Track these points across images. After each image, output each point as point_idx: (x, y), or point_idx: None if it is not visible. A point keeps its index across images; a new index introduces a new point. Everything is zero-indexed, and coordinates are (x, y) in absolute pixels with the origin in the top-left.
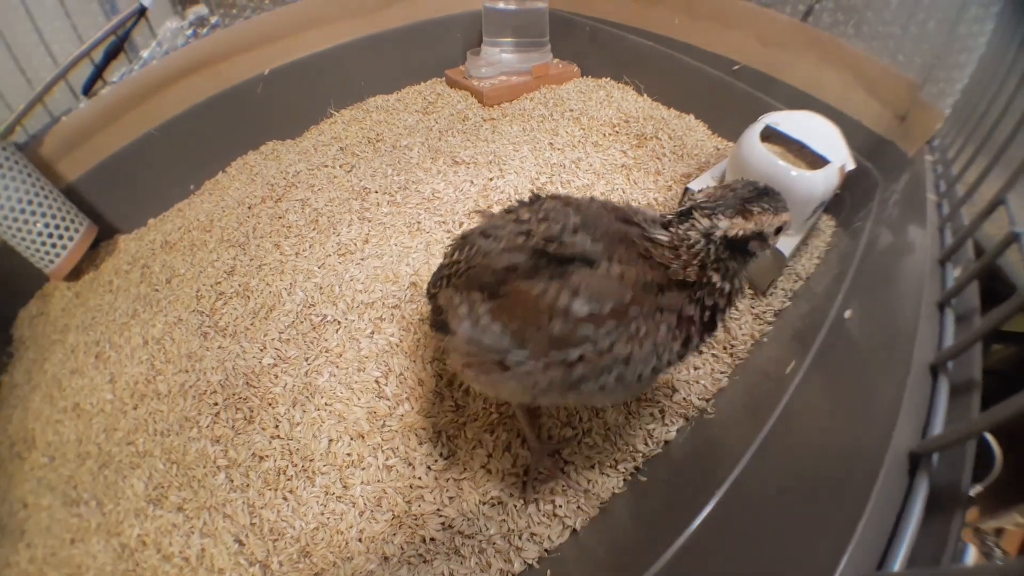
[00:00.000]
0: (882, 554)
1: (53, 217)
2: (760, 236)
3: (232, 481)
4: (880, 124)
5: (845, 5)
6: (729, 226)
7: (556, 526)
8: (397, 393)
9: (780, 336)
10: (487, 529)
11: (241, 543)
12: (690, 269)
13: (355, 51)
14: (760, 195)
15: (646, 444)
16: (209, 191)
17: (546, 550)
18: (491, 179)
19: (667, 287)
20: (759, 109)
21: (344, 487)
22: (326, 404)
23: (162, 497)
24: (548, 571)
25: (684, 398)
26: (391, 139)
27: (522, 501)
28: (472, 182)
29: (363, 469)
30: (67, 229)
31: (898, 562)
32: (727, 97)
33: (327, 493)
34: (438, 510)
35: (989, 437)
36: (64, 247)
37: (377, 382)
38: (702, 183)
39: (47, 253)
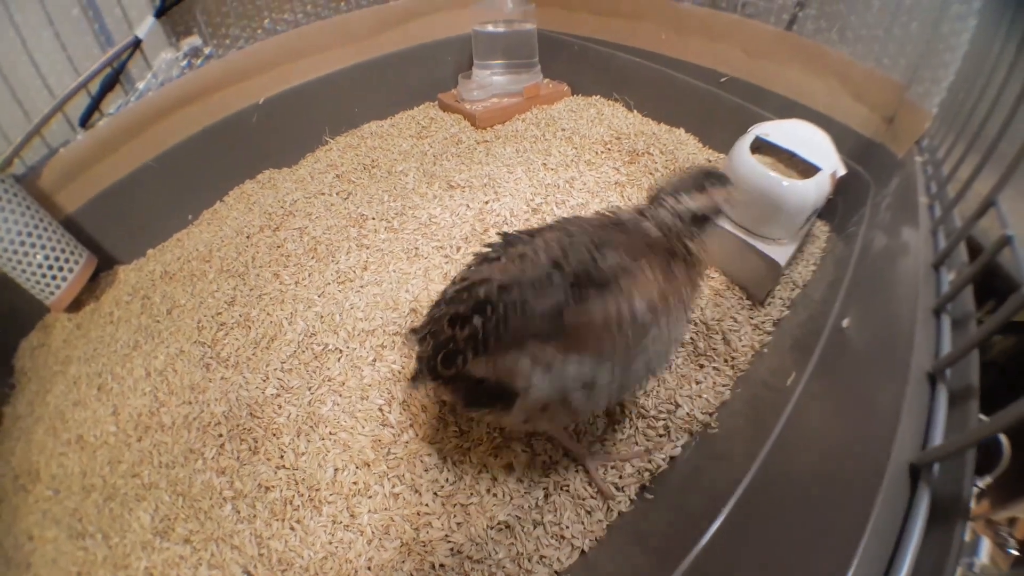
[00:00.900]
0: (886, 567)
1: (53, 249)
2: (716, 209)
3: (239, 512)
4: (869, 127)
5: (828, 12)
6: (693, 202)
7: (565, 548)
8: (401, 420)
9: (780, 346)
10: (496, 553)
11: (249, 574)
12: (677, 244)
13: (348, 78)
14: (707, 175)
15: (652, 462)
16: (207, 221)
17: (556, 572)
18: (487, 202)
19: (669, 266)
20: (748, 120)
21: (351, 516)
22: (330, 433)
23: (169, 529)
24: None
25: (688, 413)
26: (386, 165)
27: (606, 505)
28: (468, 206)
29: (370, 497)
30: (67, 261)
31: (902, 575)
32: (716, 109)
33: (334, 522)
34: (446, 536)
35: None
36: (64, 279)
37: (380, 410)
38: None
39: (47, 285)
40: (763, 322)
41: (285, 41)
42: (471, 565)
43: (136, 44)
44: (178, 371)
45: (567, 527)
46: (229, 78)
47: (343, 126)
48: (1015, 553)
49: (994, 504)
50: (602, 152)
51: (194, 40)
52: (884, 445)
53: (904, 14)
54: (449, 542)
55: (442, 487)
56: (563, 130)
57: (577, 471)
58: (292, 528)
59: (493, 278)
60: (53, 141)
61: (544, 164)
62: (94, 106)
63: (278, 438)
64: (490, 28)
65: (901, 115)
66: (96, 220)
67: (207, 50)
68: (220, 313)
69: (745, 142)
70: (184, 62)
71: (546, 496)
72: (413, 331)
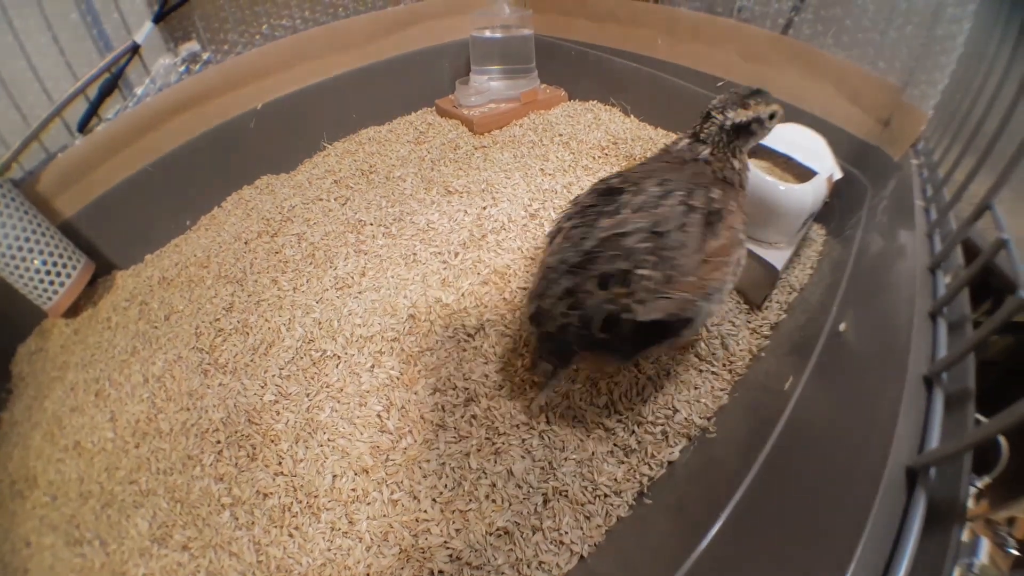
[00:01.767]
0: (883, 570)
1: (51, 254)
2: (758, 120)
3: (237, 519)
4: (864, 130)
5: (824, 16)
6: (735, 115)
7: (564, 553)
8: (399, 426)
9: (777, 350)
10: (495, 559)
11: None
12: (727, 167)
13: (346, 84)
14: (754, 93)
15: (650, 467)
16: (205, 226)
17: None
18: (484, 208)
19: (736, 195)
20: None
21: (350, 522)
22: (329, 440)
23: (167, 536)
24: None
25: (686, 418)
26: (384, 170)
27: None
28: (466, 211)
29: (368, 504)
30: (64, 266)
31: None
32: None
33: (333, 529)
34: (445, 542)
35: None
36: (62, 284)
37: (379, 416)
38: None
39: (45, 290)
40: (760, 326)
41: (283, 47)
42: (470, 571)
43: (134, 49)
44: (176, 377)
45: (566, 532)
46: (227, 83)
47: (341, 132)
48: (1015, 553)
49: (993, 504)
50: (599, 157)
51: (192, 45)
52: (881, 449)
53: (899, 17)
54: (448, 548)
55: (441, 493)
56: (560, 135)
57: (576, 476)
58: (291, 535)
59: (641, 228)
60: (51, 146)
61: (542, 169)
62: (92, 111)
63: (276, 445)
64: (487, 34)
65: (897, 118)
66: (94, 225)
67: (205, 55)
68: (218, 319)
69: None
70: (182, 67)
71: (545, 502)
72: (533, 318)
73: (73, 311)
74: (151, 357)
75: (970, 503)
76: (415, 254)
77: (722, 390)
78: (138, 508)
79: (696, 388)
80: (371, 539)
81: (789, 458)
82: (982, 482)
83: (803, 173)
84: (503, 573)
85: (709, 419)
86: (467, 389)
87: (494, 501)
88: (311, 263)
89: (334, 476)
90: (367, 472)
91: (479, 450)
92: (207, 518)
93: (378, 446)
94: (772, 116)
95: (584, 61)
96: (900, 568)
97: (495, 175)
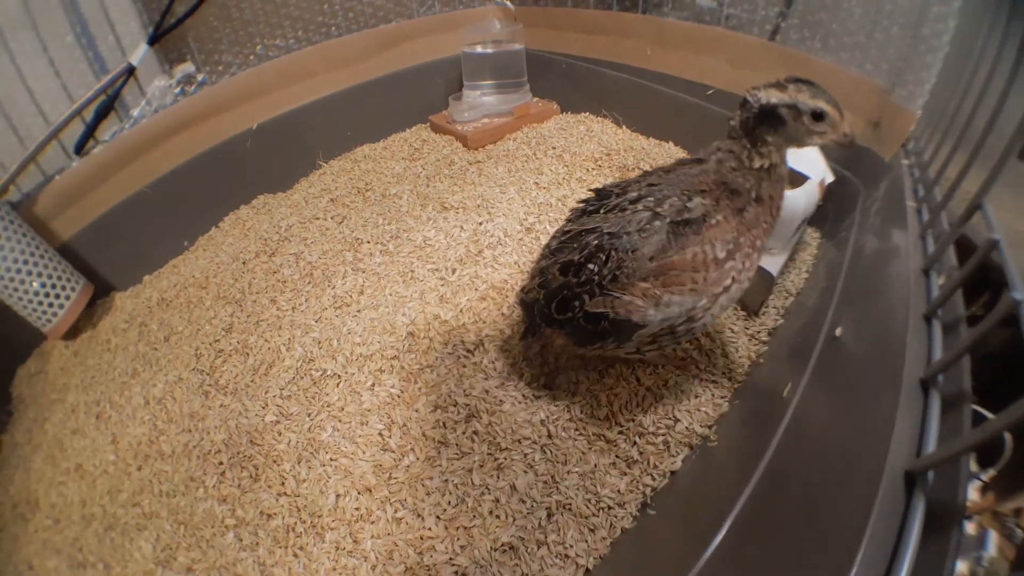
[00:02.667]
0: (884, 573)
1: (49, 276)
2: (792, 107)
3: (241, 540)
4: (855, 132)
5: (810, 21)
6: (765, 95)
7: (569, 567)
8: (401, 444)
9: (776, 355)
10: (501, 575)
11: None
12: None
13: (340, 102)
14: (799, 80)
15: (652, 478)
16: (203, 247)
17: None
18: (480, 223)
19: (744, 207)
20: None
21: (355, 542)
22: (331, 459)
23: (171, 559)
24: None
25: (687, 427)
26: (380, 188)
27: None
28: (462, 227)
29: (372, 523)
30: (63, 288)
31: None
32: (704, 122)
33: (338, 548)
34: (450, 559)
35: None
36: (61, 306)
37: (381, 435)
38: None
39: (44, 313)
40: (758, 332)
41: (277, 67)
42: None
43: (130, 71)
44: (177, 399)
45: (571, 546)
46: (222, 104)
47: (336, 150)
48: None
49: (999, 496)
50: (593, 169)
51: (187, 67)
52: (880, 453)
53: (885, 18)
54: (453, 565)
55: (445, 510)
56: (554, 148)
57: (579, 488)
58: (295, 555)
59: (601, 227)
60: (48, 168)
61: (536, 183)
62: (89, 133)
63: (279, 465)
64: (479, 49)
65: (886, 118)
66: (92, 247)
67: (200, 76)
68: (218, 340)
69: None
70: (178, 89)
71: (549, 516)
72: (523, 290)
73: (72, 333)
74: (151, 379)
75: (976, 496)
76: (413, 271)
77: (722, 398)
78: (141, 531)
79: (696, 397)
80: (376, 558)
81: (790, 464)
82: (987, 475)
83: (795, 178)
84: None
85: (710, 427)
86: (468, 405)
87: (498, 517)
88: (309, 282)
89: (337, 495)
90: (370, 491)
91: (482, 466)
92: (211, 539)
93: (381, 464)
94: (818, 116)
95: (575, 74)
96: (901, 570)
97: (490, 190)
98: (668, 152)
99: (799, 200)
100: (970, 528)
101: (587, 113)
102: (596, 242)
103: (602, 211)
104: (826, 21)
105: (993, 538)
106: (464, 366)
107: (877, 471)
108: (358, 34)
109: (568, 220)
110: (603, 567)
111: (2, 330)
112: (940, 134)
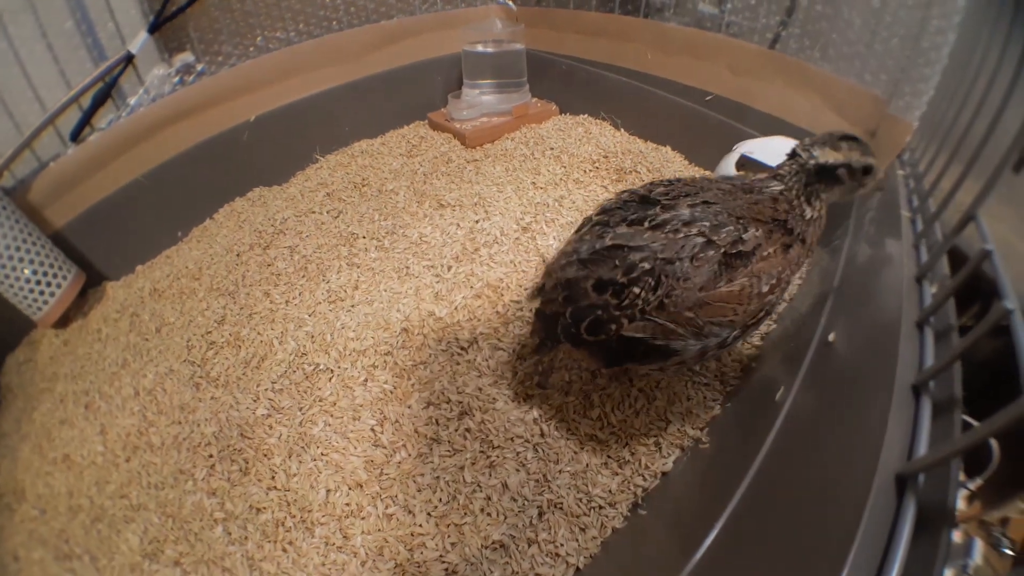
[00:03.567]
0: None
1: (41, 264)
2: (847, 167)
3: (230, 534)
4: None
5: (811, 30)
6: (821, 154)
7: (560, 566)
8: (393, 440)
9: (768, 360)
10: (491, 573)
11: None
12: (795, 214)
13: (339, 97)
14: (848, 138)
15: (644, 478)
16: (197, 238)
17: None
18: (477, 221)
19: (789, 246)
20: (733, 137)
21: (344, 537)
22: (322, 454)
23: (158, 551)
24: None
25: (679, 429)
26: (377, 183)
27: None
28: (458, 225)
29: (363, 519)
30: (55, 276)
31: None
32: (702, 127)
33: (327, 544)
34: (440, 556)
35: None
36: (52, 294)
37: (373, 430)
38: None
39: (35, 300)
40: (752, 335)
41: (277, 59)
42: None
43: (129, 59)
44: (167, 390)
45: (561, 544)
46: (221, 95)
47: (334, 144)
48: (1010, 553)
49: (986, 505)
50: (590, 171)
51: (187, 56)
52: (871, 457)
53: (885, 30)
54: (444, 563)
55: (436, 507)
56: (552, 149)
57: (570, 488)
58: (284, 550)
59: (651, 247)
60: (44, 155)
61: (533, 183)
62: (85, 120)
63: (269, 459)
64: (479, 48)
65: (883, 128)
66: (85, 235)
67: (199, 67)
68: (210, 332)
69: (730, 160)
70: (176, 78)
71: (540, 514)
72: (538, 292)
73: (63, 322)
74: (142, 370)
75: (963, 505)
76: (408, 267)
77: (714, 400)
78: (129, 523)
79: (688, 399)
80: (366, 554)
81: (781, 467)
82: (974, 484)
83: None
84: None
85: (702, 429)
86: (461, 403)
87: (489, 514)
88: (304, 276)
89: (328, 491)
90: (361, 486)
91: (473, 463)
92: (199, 533)
93: (372, 460)
94: (867, 171)
95: (575, 75)
96: (891, 573)
97: (487, 188)
98: (665, 156)
99: None
100: (956, 537)
101: (586, 115)
102: (647, 265)
103: (647, 224)
104: (826, 31)
105: (979, 547)
106: (458, 363)
107: (868, 474)
108: (359, 29)
109: (600, 220)
110: (593, 566)
111: None
112: (936, 146)
